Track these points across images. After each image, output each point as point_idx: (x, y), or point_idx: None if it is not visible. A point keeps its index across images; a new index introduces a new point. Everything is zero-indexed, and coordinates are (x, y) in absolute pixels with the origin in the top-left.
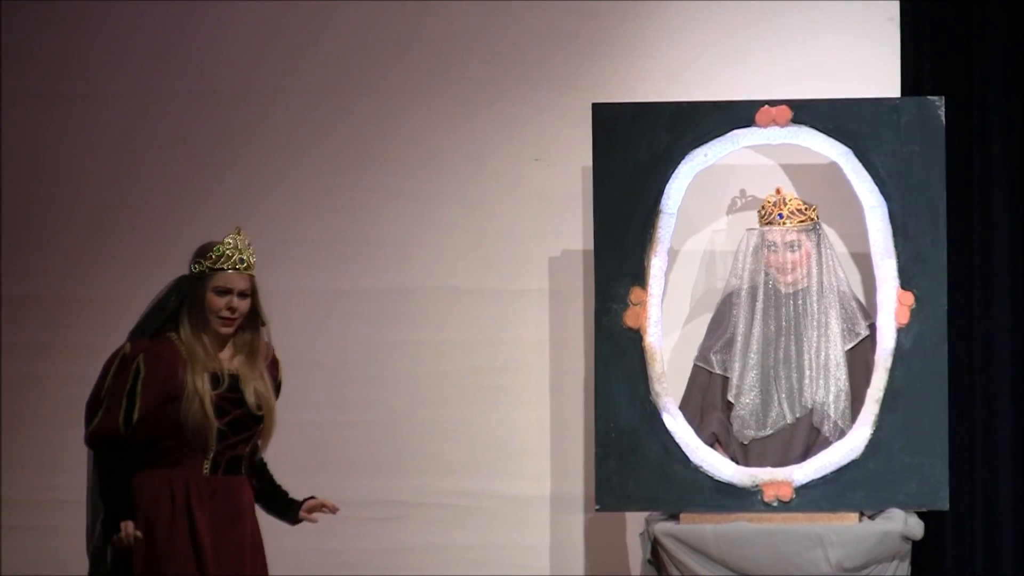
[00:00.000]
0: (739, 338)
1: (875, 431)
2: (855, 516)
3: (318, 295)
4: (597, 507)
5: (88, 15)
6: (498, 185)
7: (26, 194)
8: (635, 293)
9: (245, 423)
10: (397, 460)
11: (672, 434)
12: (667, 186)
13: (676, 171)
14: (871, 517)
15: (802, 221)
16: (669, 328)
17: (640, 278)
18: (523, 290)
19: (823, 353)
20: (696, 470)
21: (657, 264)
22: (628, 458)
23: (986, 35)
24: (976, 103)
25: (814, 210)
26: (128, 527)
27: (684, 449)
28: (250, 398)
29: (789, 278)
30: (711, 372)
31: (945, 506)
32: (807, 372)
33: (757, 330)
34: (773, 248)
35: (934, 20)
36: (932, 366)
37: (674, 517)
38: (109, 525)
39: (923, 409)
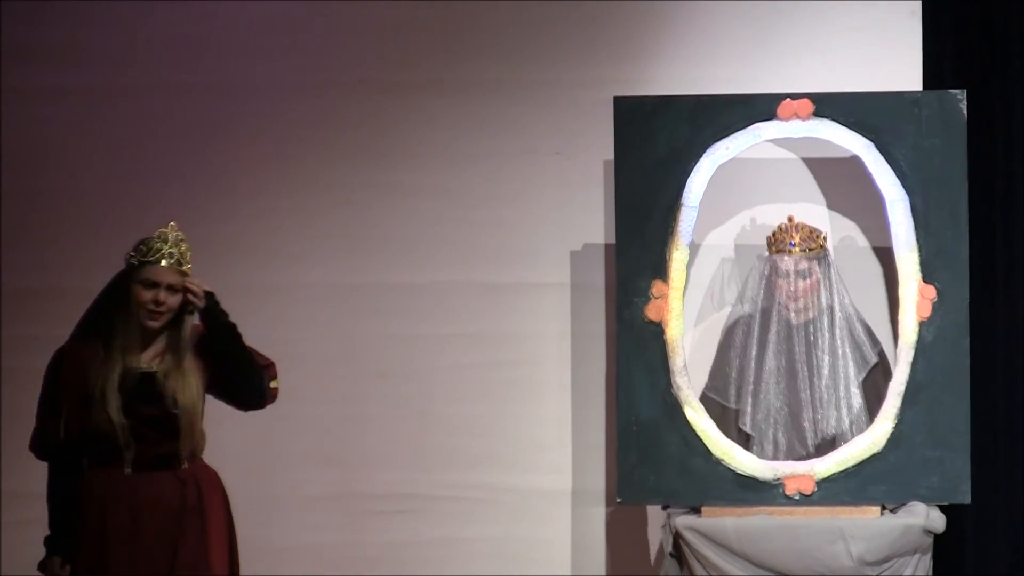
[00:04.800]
0: (751, 369)
1: (897, 425)
2: (877, 510)
3: (339, 290)
4: (618, 500)
5: (92, 9)
6: (519, 179)
7: (28, 188)
8: (656, 286)
9: (166, 421)
10: (417, 454)
11: (693, 427)
12: (688, 180)
13: (697, 165)
14: (892, 511)
15: (812, 249)
16: (690, 321)
17: (661, 271)
18: (544, 284)
19: (838, 384)
20: (717, 463)
21: (678, 257)
22: (649, 451)
23: (1008, 28)
24: (998, 96)
25: (824, 237)
26: (54, 565)
27: (705, 442)
28: (168, 396)
29: (800, 304)
30: (724, 405)
31: (967, 500)
32: (822, 403)
33: (771, 362)
34: (784, 276)
35: (956, 13)
36: (954, 360)
37: (695, 510)
38: (50, 537)
39: (945, 403)
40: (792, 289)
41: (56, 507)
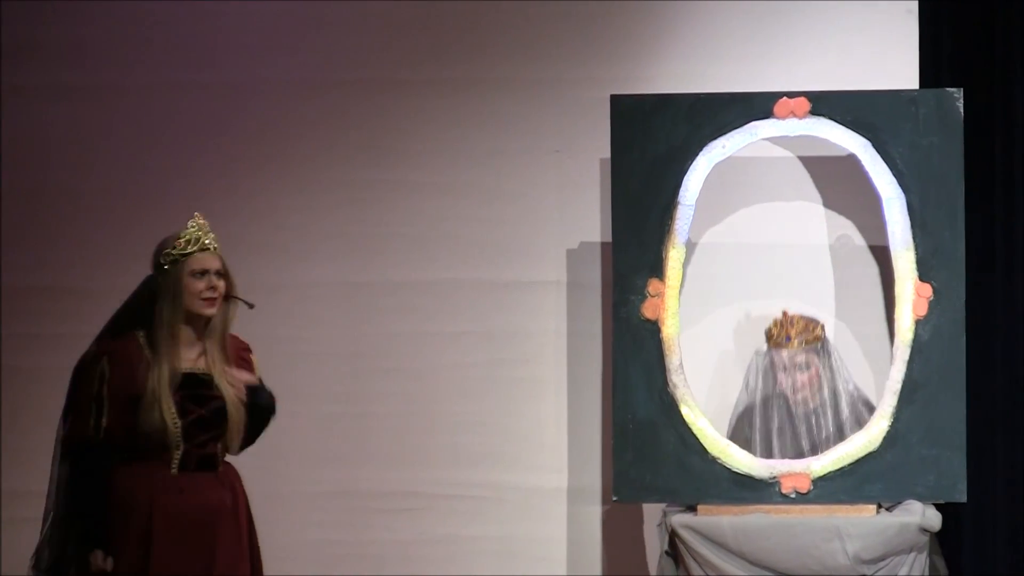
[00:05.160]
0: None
1: (893, 423)
2: (873, 508)
3: (338, 288)
4: (615, 498)
5: (94, 7)
6: (517, 178)
7: (29, 185)
8: (653, 285)
9: (212, 421)
10: (415, 452)
11: (689, 425)
12: (685, 178)
13: (694, 163)
14: (889, 509)
15: (809, 341)
16: (687, 320)
17: (658, 270)
18: (541, 282)
19: None
20: (714, 461)
21: (675, 256)
22: (646, 450)
23: (1006, 27)
24: (996, 95)
25: (821, 327)
26: (97, 558)
27: (702, 440)
28: (225, 397)
29: (800, 396)
30: None
31: (963, 498)
32: None
33: (776, 455)
34: (784, 370)
35: (953, 12)
36: (950, 358)
37: (691, 509)
38: (81, 531)
39: (941, 401)
40: (792, 382)
41: (89, 503)
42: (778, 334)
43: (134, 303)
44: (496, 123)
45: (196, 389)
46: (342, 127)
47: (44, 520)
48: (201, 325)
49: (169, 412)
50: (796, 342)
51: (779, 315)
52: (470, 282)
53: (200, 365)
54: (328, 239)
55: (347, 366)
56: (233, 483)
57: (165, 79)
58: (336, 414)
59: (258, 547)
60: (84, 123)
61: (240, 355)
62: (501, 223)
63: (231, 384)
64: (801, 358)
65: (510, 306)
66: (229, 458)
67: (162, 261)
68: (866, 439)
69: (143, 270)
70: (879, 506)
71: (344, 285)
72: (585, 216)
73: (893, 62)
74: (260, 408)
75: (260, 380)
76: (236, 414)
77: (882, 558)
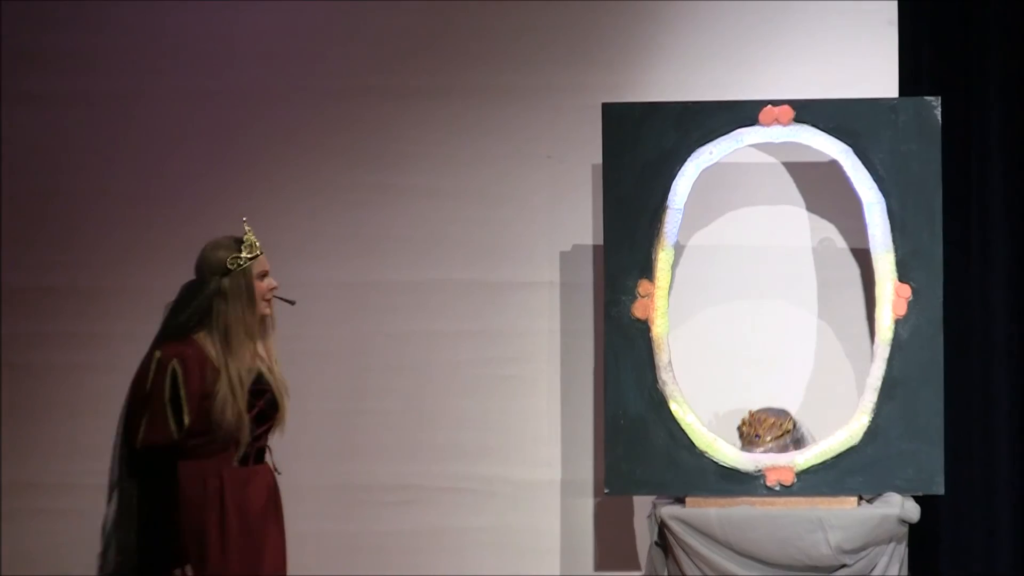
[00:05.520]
0: None
1: (873, 419)
2: (854, 500)
3: (339, 288)
4: (606, 491)
5: (115, 17)
6: (512, 182)
7: (37, 188)
8: (643, 285)
9: (267, 413)
10: (414, 446)
11: (678, 421)
12: (674, 183)
13: (682, 168)
14: (869, 501)
15: (779, 436)
16: (676, 319)
17: (648, 271)
18: (535, 283)
19: None
20: (701, 456)
21: (664, 258)
22: (636, 444)
23: (983, 37)
24: (973, 103)
25: (789, 420)
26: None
27: (690, 435)
28: (274, 388)
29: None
30: None
31: (940, 491)
32: None
33: None
34: None
35: (932, 22)
36: (928, 356)
37: (680, 501)
38: (160, 540)
39: (919, 397)
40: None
41: (168, 510)
42: (748, 432)
43: (191, 307)
44: (492, 130)
45: (259, 384)
46: (346, 134)
47: (107, 526)
48: (256, 323)
49: (243, 408)
50: (767, 439)
51: (747, 415)
52: (467, 282)
53: (256, 362)
54: (332, 241)
55: (349, 363)
56: (272, 474)
57: (181, 87)
58: (338, 410)
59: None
60: (102, 128)
61: None
62: (497, 226)
63: (277, 377)
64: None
65: (505, 306)
66: None
67: (231, 266)
68: (847, 434)
69: (160, 270)
70: (860, 498)
71: (347, 285)
72: (577, 219)
73: (874, 71)
74: None
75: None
76: (284, 405)
77: (863, 548)
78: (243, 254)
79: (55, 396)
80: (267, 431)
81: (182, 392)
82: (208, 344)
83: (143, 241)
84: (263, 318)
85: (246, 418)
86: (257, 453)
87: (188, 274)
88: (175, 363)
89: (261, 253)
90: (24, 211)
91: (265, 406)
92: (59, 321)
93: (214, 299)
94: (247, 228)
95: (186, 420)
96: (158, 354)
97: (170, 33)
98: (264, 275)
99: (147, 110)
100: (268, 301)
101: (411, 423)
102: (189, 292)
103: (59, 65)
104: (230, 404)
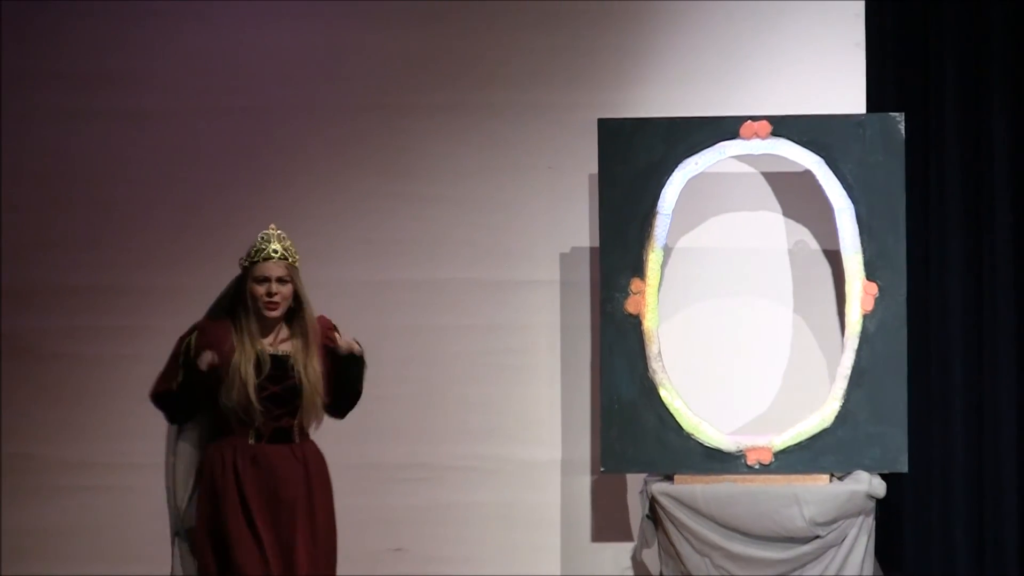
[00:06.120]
0: None
1: (843, 404)
2: (826, 477)
3: (360, 286)
4: (602, 469)
5: (140, 40)
6: (516, 190)
7: (43, 193)
8: (635, 284)
9: (286, 398)
10: (426, 429)
11: (667, 406)
12: (663, 191)
13: (671, 177)
14: (840, 478)
15: None
16: (665, 314)
17: (639, 271)
18: (537, 281)
19: None
20: (688, 437)
21: (654, 259)
22: (628, 427)
23: (941, 58)
24: (933, 118)
25: None
26: (205, 357)
27: (678, 419)
28: (296, 375)
29: None
30: None
31: (904, 469)
32: None
33: None
34: None
35: (896, 44)
36: (893, 347)
37: (669, 478)
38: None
39: (885, 385)
40: None
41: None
42: None
43: (227, 295)
44: (497, 143)
45: (275, 369)
46: (363, 146)
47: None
48: (253, 321)
49: (252, 389)
50: None
51: None
52: (475, 281)
53: (284, 348)
54: (352, 244)
55: (369, 354)
56: (307, 458)
57: (206, 104)
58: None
59: (334, 525)
60: (131, 143)
61: (327, 334)
62: (502, 230)
63: (309, 366)
64: None
65: (510, 302)
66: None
67: (242, 266)
68: (820, 418)
69: (189, 270)
70: (832, 476)
71: (367, 284)
72: (575, 223)
73: (843, 89)
74: (349, 369)
75: (353, 349)
76: (310, 393)
77: (834, 521)
78: (246, 259)
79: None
80: (288, 415)
81: (191, 355)
82: (233, 329)
83: (179, 242)
84: (298, 320)
85: (254, 402)
86: (276, 433)
87: (218, 274)
88: (194, 334)
89: (269, 258)
90: (43, 215)
91: (283, 392)
92: (87, 316)
93: (239, 289)
94: (262, 233)
95: (181, 378)
96: (190, 327)
97: (203, 55)
98: (263, 280)
99: (182, 126)
100: (269, 304)
101: (423, 408)
102: (230, 283)
103: (80, 75)
104: (234, 383)
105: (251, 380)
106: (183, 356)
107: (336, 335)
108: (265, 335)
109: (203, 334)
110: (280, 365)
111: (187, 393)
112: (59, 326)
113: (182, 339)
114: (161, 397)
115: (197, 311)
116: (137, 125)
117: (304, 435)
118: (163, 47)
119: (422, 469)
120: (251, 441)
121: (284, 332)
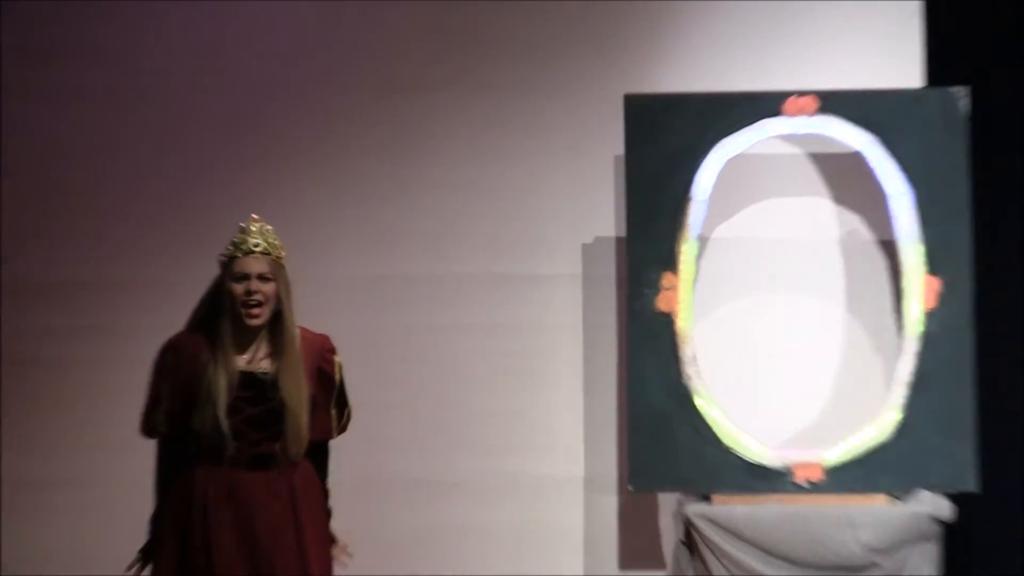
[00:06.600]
0: None
1: (903, 414)
2: (884, 498)
3: (359, 281)
4: (630, 488)
5: (137, 11)
6: (532, 175)
7: (41, 181)
8: (667, 278)
9: (267, 421)
10: (433, 442)
11: (703, 416)
12: (697, 174)
13: (706, 160)
14: (900, 499)
15: None
16: (699, 312)
17: (671, 264)
18: (557, 276)
19: None
20: (727, 451)
21: (688, 250)
22: (660, 440)
23: (1010, 25)
24: (999, 93)
25: None
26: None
27: (715, 431)
28: (283, 401)
29: None
30: None
31: (972, 488)
32: None
33: None
34: None
35: (958, 10)
36: (959, 350)
37: (706, 498)
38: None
39: (950, 392)
40: None
41: (158, 492)
42: None
43: (207, 296)
44: (514, 123)
45: (254, 389)
46: (363, 126)
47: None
48: (233, 329)
49: (222, 412)
50: None
51: None
52: (488, 275)
53: (264, 365)
54: (349, 234)
55: (367, 357)
56: (295, 487)
57: (194, 82)
58: (359, 403)
59: (329, 556)
60: (114, 122)
61: (323, 356)
62: (518, 218)
63: (292, 385)
64: None
65: (527, 299)
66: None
67: (219, 262)
68: (876, 430)
69: (167, 264)
70: (890, 496)
71: (365, 278)
72: (599, 211)
73: (899, 61)
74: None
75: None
76: (296, 415)
77: (893, 547)
78: (225, 254)
79: (61, 390)
80: (266, 439)
81: (164, 385)
82: (207, 338)
83: (165, 237)
84: (277, 326)
85: (223, 422)
86: (254, 459)
87: (200, 266)
88: (169, 354)
89: (249, 253)
90: (30, 205)
91: (262, 414)
92: (64, 315)
93: (216, 292)
94: (241, 224)
95: (163, 410)
96: (166, 342)
97: (186, 29)
98: (242, 277)
99: (159, 104)
100: (249, 309)
101: (427, 418)
102: (210, 285)
103: (65, 59)
104: (206, 405)
105: (222, 401)
106: (161, 384)
107: (334, 361)
108: (244, 349)
109: (176, 352)
110: (258, 384)
111: (173, 428)
112: (33, 325)
113: (157, 360)
114: (151, 435)
115: (178, 307)
116: (109, 103)
117: (291, 462)
118: (143, 20)
119: (427, 486)
120: (225, 467)
121: (266, 347)
